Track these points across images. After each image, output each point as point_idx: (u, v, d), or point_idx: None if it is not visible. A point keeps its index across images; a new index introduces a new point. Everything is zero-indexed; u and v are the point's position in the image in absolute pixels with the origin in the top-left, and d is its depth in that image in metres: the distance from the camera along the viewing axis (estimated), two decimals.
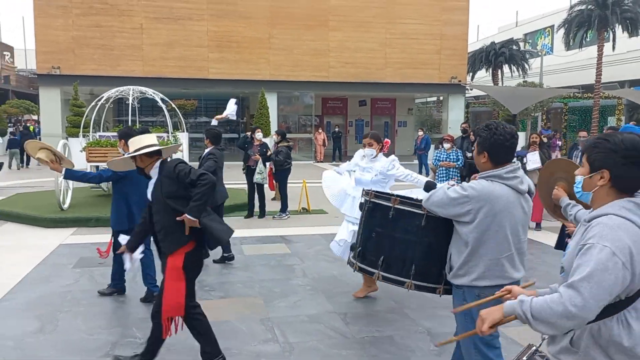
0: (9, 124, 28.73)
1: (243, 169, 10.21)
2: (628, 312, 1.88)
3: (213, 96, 27.62)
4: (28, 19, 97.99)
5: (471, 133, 10.70)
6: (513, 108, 10.67)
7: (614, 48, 22.98)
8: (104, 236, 6.86)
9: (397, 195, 3.26)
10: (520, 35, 39.28)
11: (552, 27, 38.88)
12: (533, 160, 9.14)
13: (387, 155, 5.45)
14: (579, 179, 2.18)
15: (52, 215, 9.17)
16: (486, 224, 2.73)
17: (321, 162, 23.68)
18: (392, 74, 24.10)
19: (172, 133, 11.31)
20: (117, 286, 5.72)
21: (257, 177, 10.18)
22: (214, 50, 22.69)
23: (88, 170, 6.70)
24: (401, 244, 3.00)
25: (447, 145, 10.54)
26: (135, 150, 3.81)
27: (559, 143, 18.22)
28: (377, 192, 3.33)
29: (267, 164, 10.28)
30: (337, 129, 24.96)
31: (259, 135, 10.38)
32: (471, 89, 25.92)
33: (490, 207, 2.71)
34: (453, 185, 2.93)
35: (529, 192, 2.88)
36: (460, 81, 24.71)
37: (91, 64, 21.70)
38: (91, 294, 5.70)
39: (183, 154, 10.46)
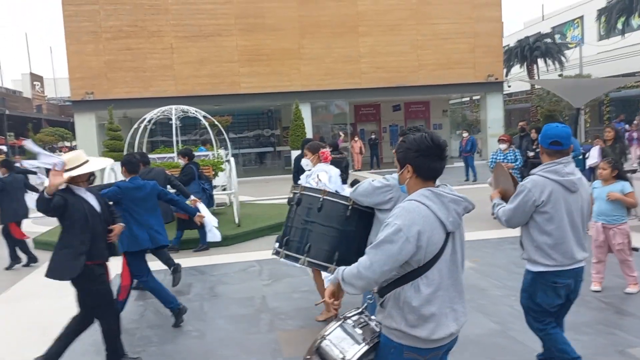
0: (47, 149, 29.08)
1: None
2: (421, 279, 2.30)
3: (246, 111, 27.46)
4: (55, 49, 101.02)
5: (533, 131, 10.05)
6: (576, 101, 10.01)
7: None
8: (158, 263, 6.47)
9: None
10: (548, 28, 38.21)
11: (581, 17, 37.76)
12: (592, 155, 8.59)
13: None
14: (395, 174, 2.61)
15: None
16: None
17: (359, 170, 23.16)
18: (426, 76, 23.50)
19: (217, 151, 10.98)
20: (174, 309, 5.35)
21: None
22: (244, 65, 22.47)
23: None
24: (327, 232, 3.21)
25: (503, 146, 9.96)
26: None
27: (635, 135, 16.72)
28: (306, 186, 3.53)
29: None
30: (373, 136, 24.41)
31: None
32: (509, 85, 25.06)
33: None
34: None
35: None
36: (497, 79, 23.96)
37: (124, 86, 21.71)
38: (160, 329, 5.30)
39: (231, 170, 10.05)
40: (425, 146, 2.34)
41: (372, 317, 2.50)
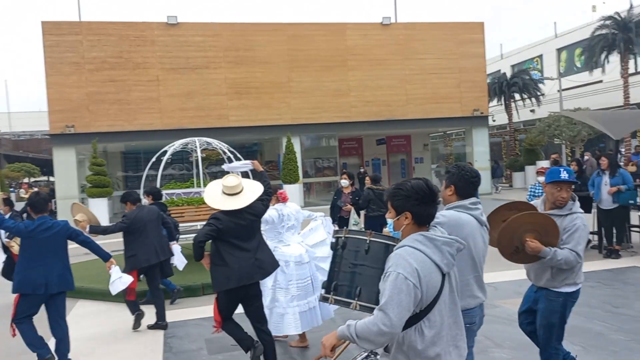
0: (11, 189, 27.41)
1: (333, 223, 9.32)
2: (423, 322, 2.36)
3: (234, 144, 26.76)
4: (11, 82, 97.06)
5: (573, 164, 9.93)
6: (615, 133, 10.01)
7: (636, 69, 22.90)
8: (208, 307, 5.84)
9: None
10: (507, 67, 39.57)
11: (540, 56, 39.32)
12: None
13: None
14: (390, 221, 2.63)
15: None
16: None
17: None
18: (414, 110, 23.61)
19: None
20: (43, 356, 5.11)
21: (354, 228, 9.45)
22: (233, 98, 21.96)
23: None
24: (377, 274, 3.01)
25: (541, 179, 9.75)
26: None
27: None
28: (350, 229, 3.44)
29: (362, 212, 9.49)
30: (362, 170, 24.18)
31: (344, 182, 9.70)
32: (494, 120, 25.42)
33: (458, 232, 2.89)
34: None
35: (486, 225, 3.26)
36: (482, 113, 24.34)
37: (106, 119, 20.73)
38: None
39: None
40: (424, 193, 2.46)
41: (379, 357, 2.57)
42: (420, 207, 2.45)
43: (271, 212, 5.38)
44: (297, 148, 21.68)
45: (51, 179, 54.01)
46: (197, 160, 10.26)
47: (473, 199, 3.21)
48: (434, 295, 2.36)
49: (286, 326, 5.26)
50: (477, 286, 3.21)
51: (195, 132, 21.20)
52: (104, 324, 6.99)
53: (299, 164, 21.62)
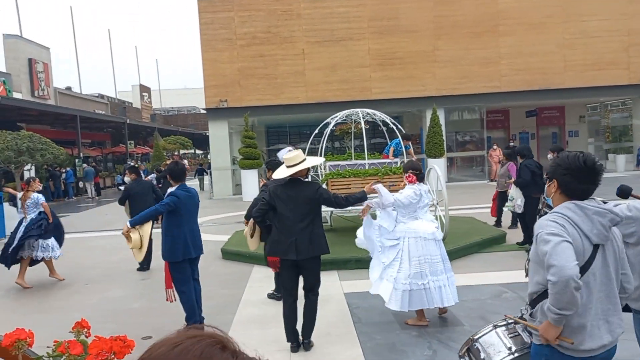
0: (168, 157, 29.91)
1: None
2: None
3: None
4: (161, 62, 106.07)
5: None
6: None
7: None
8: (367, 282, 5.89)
9: None
10: None
11: None
12: None
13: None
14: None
15: None
16: None
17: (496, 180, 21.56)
18: (572, 78, 21.50)
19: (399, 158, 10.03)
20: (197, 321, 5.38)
21: (507, 205, 9.06)
22: (376, 69, 21.62)
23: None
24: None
25: None
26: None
27: None
28: None
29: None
30: (511, 144, 22.70)
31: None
32: None
33: None
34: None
35: None
36: None
37: (256, 94, 21.48)
38: None
39: (438, 179, 9.04)
40: (576, 166, 2.40)
41: (527, 325, 2.57)
42: (566, 178, 2.41)
43: (408, 193, 5.31)
44: (441, 120, 20.88)
45: (197, 151, 58.10)
46: (358, 133, 10.09)
47: None
48: (580, 265, 2.29)
49: (409, 302, 5.18)
50: None
51: (338, 105, 21.29)
52: None
53: (444, 137, 20.84)
